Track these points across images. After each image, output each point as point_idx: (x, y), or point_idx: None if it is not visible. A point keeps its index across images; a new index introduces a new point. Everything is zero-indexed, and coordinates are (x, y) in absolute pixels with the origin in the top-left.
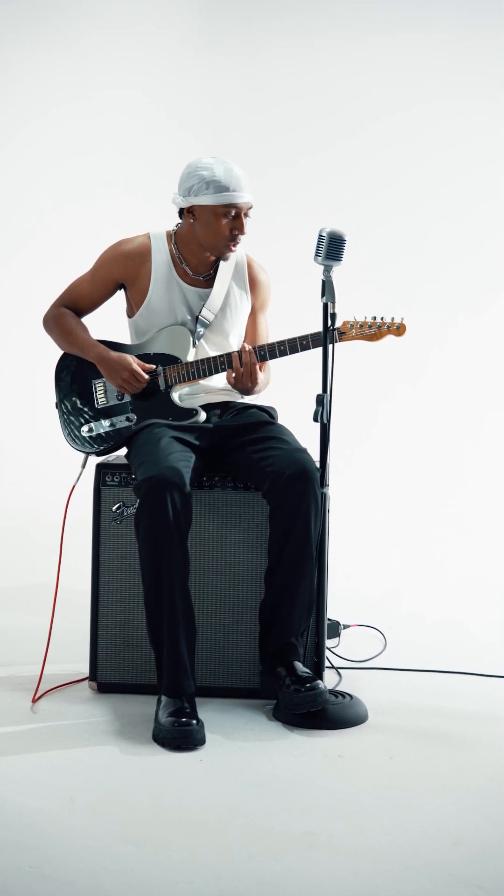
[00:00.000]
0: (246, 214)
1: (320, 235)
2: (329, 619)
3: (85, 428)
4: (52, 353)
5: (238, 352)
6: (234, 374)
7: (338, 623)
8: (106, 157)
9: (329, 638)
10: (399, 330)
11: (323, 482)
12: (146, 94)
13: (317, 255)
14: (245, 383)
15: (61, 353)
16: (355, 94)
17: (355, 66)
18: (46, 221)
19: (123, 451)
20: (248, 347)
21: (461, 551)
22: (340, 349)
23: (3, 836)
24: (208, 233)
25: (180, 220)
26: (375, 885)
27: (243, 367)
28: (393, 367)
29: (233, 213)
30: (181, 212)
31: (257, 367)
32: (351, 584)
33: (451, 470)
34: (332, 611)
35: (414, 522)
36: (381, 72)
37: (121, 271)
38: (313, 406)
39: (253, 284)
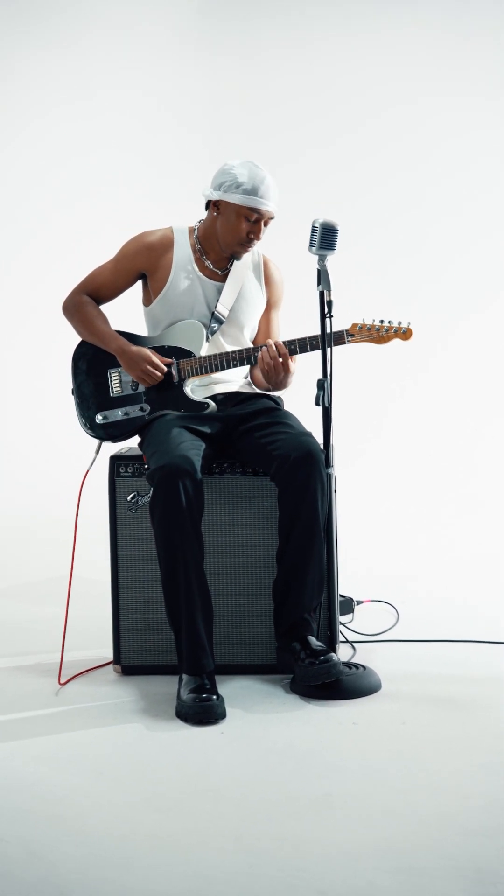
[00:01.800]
0: (266, 223)
1: (313, 227)
2: (342, 596)
3: (99, 416)
4: (57, 354)
5: (264, 345)
6: (266, 368)
7: (351, 599)
8: (108, 156)
9: (343, 614)
10: (406, 334)
11: (328, 463)
12: (146, 94)
13: (311, 245)
14: (278, 374)
15: (78, 340)
16: (354, 91)
17: (353, 63)
18: (49, 221)
19: (136, 439)
20: (276, 341)
21: (472, 531)
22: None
23: (38, 809)
24: (227, 229)
25: (205, 214)
26: (388, 839)
27: (273, 360)
28: (403, 356)
29: (254, 217)
30: (207, 204)
31: (290, 359)
32: (364, 563)
33: (461, 455)
34: (346, 589)
35: (425, 506)
36: (379, 68)
37: (144, 261)
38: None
39: (268, 282)
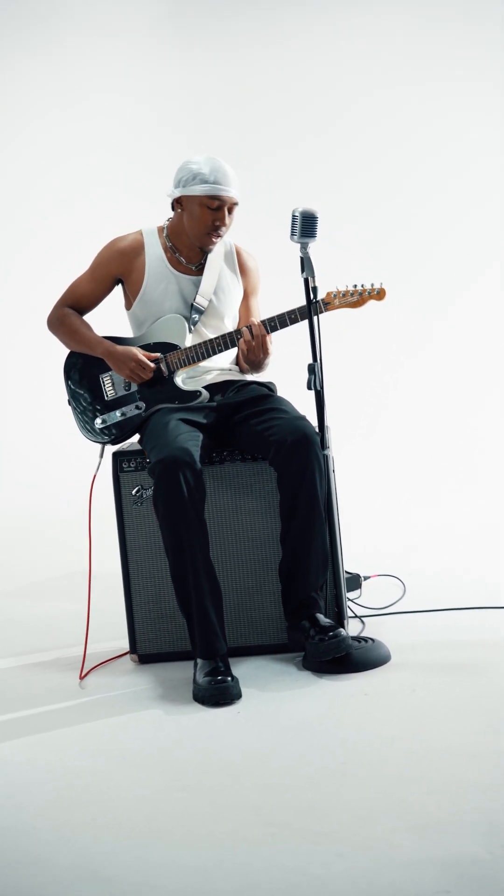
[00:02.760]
0: (230, 210)
1: (293, 216)
2: (349, 573)
3: (98, 420)
4: (57, 355)
5: (247, 327)
6: (246, 349)
7: (358, 575)
8: (96, 160)
9: (351, 590)
10: (380, 294)
11: (323, 445)
12: (129, 95)
13: (292, 234)
14: (258, 355)
15: (67, 352)
16: (330, 82)
17: (328, 53)
18: (46, 223)
19: (136, 437)
20: (255, 322)
21: (472, 502)
22: (349, 322)
23: (67, 796)
24: (193, 222)
25: (172, 213)
26: (403, 800)
27: (254, 339)
28: (400, 334)
29: (216, 205)
30: (173, 204)
31: (267, 338)
32: (369, 540)
33: (459, 427)
34: (353, 565)
35: (426, 480)
36: (353, 58)
37: (117, 267)
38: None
39: (243, 270)
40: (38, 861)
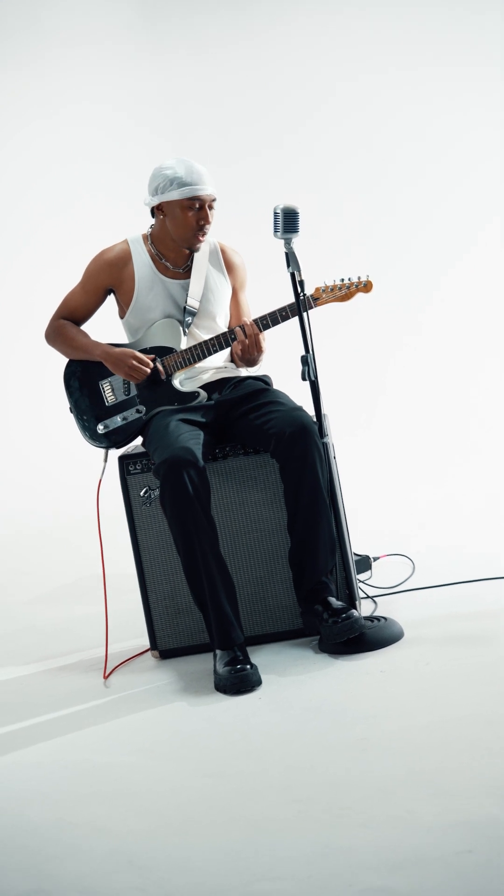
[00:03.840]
0: (210, 206)
1: (275, 213)
2: (359, 555)
3: (100, 426)
4: (57, 363)
5: (240, 327)
6: (240, 349)
7: (368, 557)
8: (81, 167)
9: (362, 571)
10: (367, 287)
11: (322, 433)
12: (107, 102)
13: (275, 231)
14: (252, 353)
15: (66, 361)
16: (303, 77)
17: (300, 49)
18: (39, 231)
19: (139, 440)
20: (248, 321)
21: (474, 477)
22: (341, 311)
23: (100, 790)
24: (177, 226)
25: (153, 221)
26: (422, 770)
27: (248, 338)
28: (392, 317)
29: (197, 205)
30: (153, 211)
31: (260, 336)
32: (377, 522)
33: (458, 404)
34: (363, 548)
35: (431, 459)
36: (325, 53)
37: (107, 278)
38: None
39: (229, 267)
40: (76, 854)
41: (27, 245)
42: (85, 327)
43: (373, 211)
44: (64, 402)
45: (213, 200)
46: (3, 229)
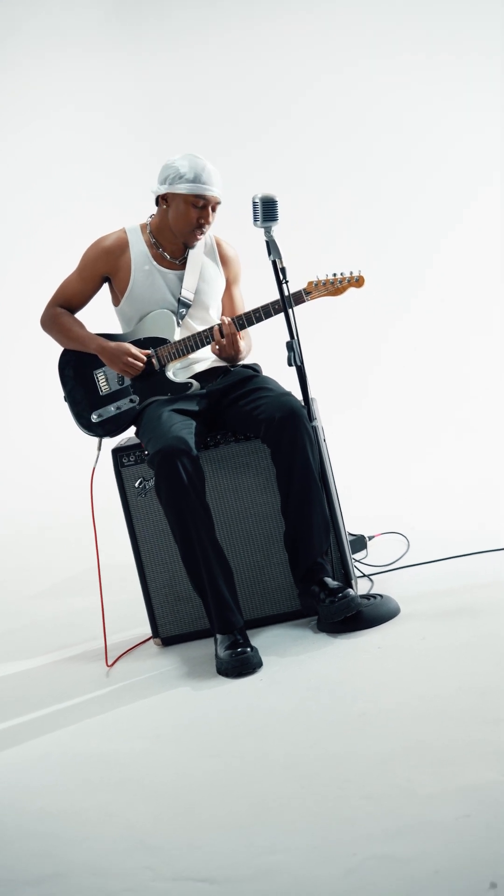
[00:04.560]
0: (213, 208)
1: (254, 202)
2: (353, 535)
3: (94, 415)
4: (55, 359)
5: (218, 325)
6: (217, 347)
7: (363, 536)
8: (70, 172)
9: (357, 551)
10: (358, 282)
11: (310, 417)
12: (90, 107)
13: (255, 220)
14: (229, 352)
15: (61, 350)
16: (283, 71)
17: (277, 43)
18: (41, 227)
19: (132, 430)
20: (226, 320)
21: (464, 454)
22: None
23: (108, 777)
24: (178, 219)
25: (155, 209)
26: (421, 741)
27: (225, 338)
28: (381, 299)
29: (201, 203)
30: (157, 200)
31: (237, 336)
32: (371, 502)
33: (450, 384)
34: (357, 528)
35: (423, 436)
36: (303, 46)
37: (104, 265)
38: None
39: (224, 260)
40: (88, 838)
41: (28, 241)
42: (80, 315)
43: (361, 196)
44: (59, 400)
45: (218, 203)
46: (5, 225)
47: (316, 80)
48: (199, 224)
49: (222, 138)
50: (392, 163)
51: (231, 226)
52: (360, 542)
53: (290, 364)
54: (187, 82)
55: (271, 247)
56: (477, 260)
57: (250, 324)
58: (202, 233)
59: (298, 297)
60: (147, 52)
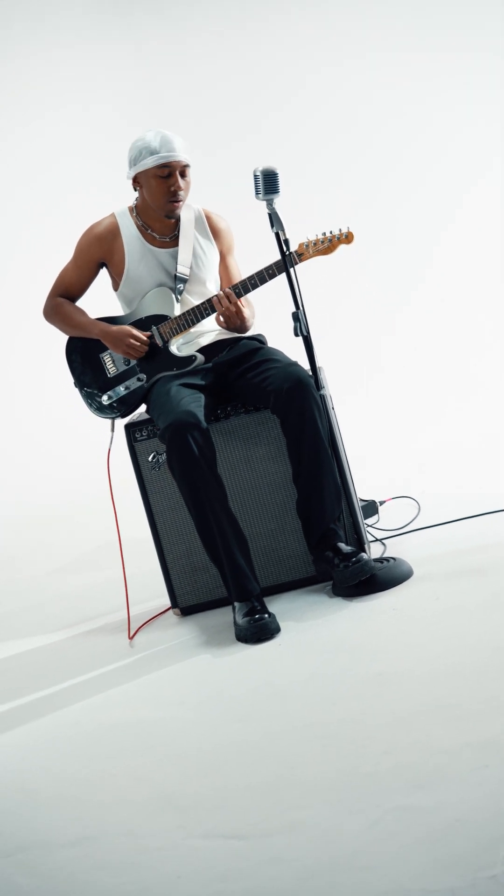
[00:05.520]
0: (182, 174)
1: (255, 175)
2: (365, 500)
3: (104, 397)
4: (59, 347)
5: (217, 296)
6: (221, 318)
7: (374, 501)
8: (73, 163)
9: (369, 516)
10: (348, 238)
11: (318, 386)
12: (90, 100)
13: (256, 193)
14: (235, 322)
15: (67, 338)
16: (287, 60)
17: (279, 30)
18: (43, 219)
19: (143, 408)
20: (225, 290)
21: (471, 417)
22: (347, 265)
23: (134, 743)
24: (152, 195)
25: (136, 193)
26: (437, 697)
27: (227, 309)
28: (392, 268)
29: (166, 172)
30: (133, 184)
31: (239, 305)
32: (382, 468)
33: (457, 348)
34: (368, 493)
35: (430, 402)
36: (300, 36)
37: (98, 252)
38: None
39: (215, 233)
40: (119, 802)
41: (30, 233)
42: (80, 302)
43: (361, 186)
44: (66, 383)
45: (186, 167)
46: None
47: (315, 72)
48: (172, 192)
49: (221, 131)
50: (391, 155)
51: (236, 219)
52: (371, 508)
53: (296, 334)
54: (187, 75)
55: (274, 219)
56: (488, 231)
57: (247, 291)
58: (178, 200)
59: (291, 261)
60: (147, 44)
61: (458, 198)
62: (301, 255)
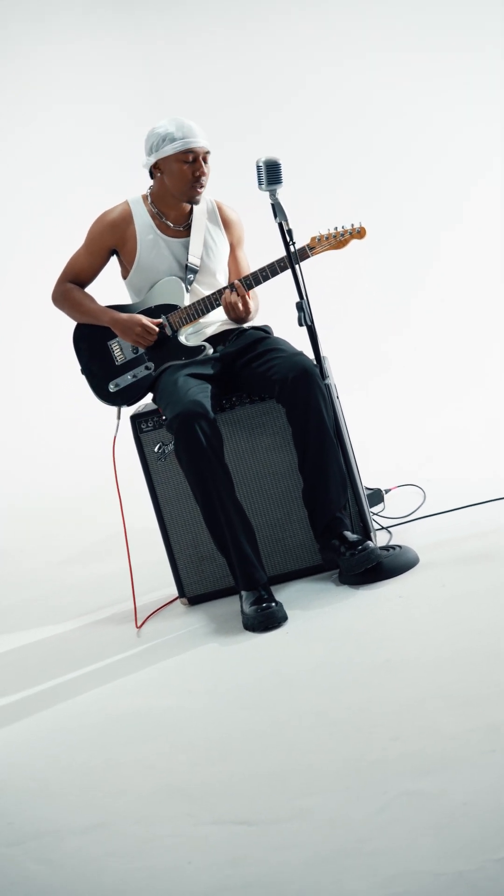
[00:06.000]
0: (204, 159)
1: (257, 166)
2: (370, 489)
3: (111, 385)
4: (64, 337)
5: (227, 287)
6: (229, 311)
7: (380, 490)
8: (77, 158)
9: (375, 504)
10: (360, 233)
11: (323, 375)
12: (92, 96)
13: (259, 184)
14: (240, 313)
15: (74, 325)
16: (291, 54)
17: (283, 25)
18: (48, 213)
19: (149, 397)
20: (236, 282)
21: (475, 406)
22: (354, 255)
23: (142, 732)
24: (175, 180)
25: (152, 181)
26: (445, 684)
27: (233, 301)
28: (398, 259)
29: (191, 157)
30: (151, 172)
31: (247, 297)
32: (387, 456)
33: (460, 339)
34: (374, 482)
35: (435, 391)
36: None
37: (110, 238)
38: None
39: (226, 224)
40: (129, 790)
41: (35, 228)
42: (89, 289)
43: (363, 183)
44: (73, 373)
45: (207, 153)
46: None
47: (315, 72)
48: (196, 177)
49: (221, 131)
50: (392, 155)
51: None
52: (377, 496)
53: (300, 324)
54: (189, 71)
55: (277, 209)
56: (493, 223)
57: (257, 283)
58: (202, 185)
59: (303, 253)
60: (147, 44)
61: (458, 198)
62: (313, 249)
